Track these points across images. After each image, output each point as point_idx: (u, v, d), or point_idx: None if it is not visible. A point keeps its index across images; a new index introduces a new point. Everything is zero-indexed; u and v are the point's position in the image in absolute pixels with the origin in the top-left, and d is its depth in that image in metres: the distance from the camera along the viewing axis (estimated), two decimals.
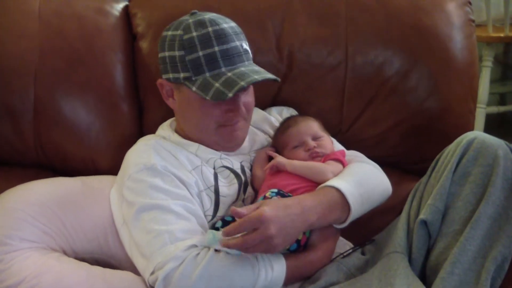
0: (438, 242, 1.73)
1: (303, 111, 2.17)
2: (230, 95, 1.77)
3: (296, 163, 1.91)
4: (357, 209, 1.81)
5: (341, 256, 1.86)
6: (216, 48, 1.83)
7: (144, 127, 2.19)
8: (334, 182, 1.83)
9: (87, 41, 2.15)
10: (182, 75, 1.85)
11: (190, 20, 1.86)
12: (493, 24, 3.71)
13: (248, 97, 1.92)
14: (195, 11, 1.91)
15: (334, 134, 2.15)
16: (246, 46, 1.89)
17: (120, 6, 2.26)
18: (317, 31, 2.19)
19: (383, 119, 2.22)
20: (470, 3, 2.30)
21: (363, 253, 1.89)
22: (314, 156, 1.94)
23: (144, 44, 2.18)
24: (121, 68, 2.15)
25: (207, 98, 1.80)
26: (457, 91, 2.22)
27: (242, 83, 1.79)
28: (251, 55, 1.92)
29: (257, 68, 1.88)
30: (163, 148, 1.91)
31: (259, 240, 1.64)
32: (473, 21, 2.27)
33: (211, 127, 1.91)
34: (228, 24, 1.87)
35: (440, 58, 2.20)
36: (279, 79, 1.88)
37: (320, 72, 2.19)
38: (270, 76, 1.85)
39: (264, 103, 2.18)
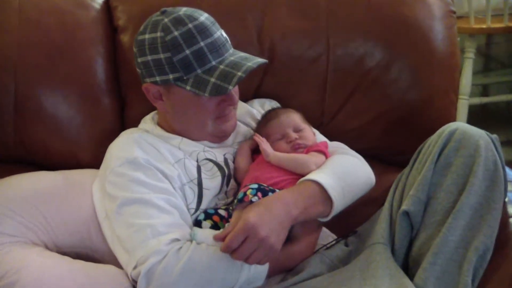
0: (421, 232, 1.74)
1: (285, 104, 2.17)
2: (231, 87, 1.78)
3: (279, 155, 1.91)
4: (339, 202, 1.81)
5: (324, 247, 1.87)
6: (202, 43, 1.82)
7: (125, 121, 2.18)
8: (314, 175, 1.82)
9: (68, 35, 2.14)
10: (171, 76, 1.83)
11: (166, 19, 1.84)
12: (475, 16, 3.72)
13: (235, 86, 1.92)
14: (165, 9, 1.88)
15: (316, 127, 2.15)
16: (224, 33, 1.89)
17: None
18: (298, 24, 2.19)
19: (365, 111, 2.22)
20: None
21: (346, 245, 1.89)
22: (296, 147, 1.94)
23: (125, 38, 2.17)
24: (102, 62, 2.15)
25: (206, 94, 1.80)
26: (439, 82, 2.22)
27: (239, 73, 1.79)
28: (230, 42, 1.91)
29: (243, 54, 1.88)
30: (146, 141, 1.91)
31: (254, 246, 1.65)
32: (454, 12, 2.28)
33: (208, 121, 1.91)
34: (203, 16, 1.86)
35: (421, 50, 2.20)
36: (267, 61, 1.89)
37: (302, 64, 2.19)
38: (260, 60, 1.86)
39: (246, 96, 2.17)
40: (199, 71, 1.82)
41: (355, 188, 1.89)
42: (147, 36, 1.86)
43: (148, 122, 2.01)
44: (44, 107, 2.09)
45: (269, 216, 1.68)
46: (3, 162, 2.15)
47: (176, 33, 1.81)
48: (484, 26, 3.74)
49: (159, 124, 1.99)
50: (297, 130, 1.98)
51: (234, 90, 1.91)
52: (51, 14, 2.15)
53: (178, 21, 1.83)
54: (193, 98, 1.85)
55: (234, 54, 1.87)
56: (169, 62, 1.82)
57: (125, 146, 1.90)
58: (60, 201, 1.91)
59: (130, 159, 1.84)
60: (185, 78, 1.82)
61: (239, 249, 1.65)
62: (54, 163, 2.13)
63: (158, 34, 1.83)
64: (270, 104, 2.17)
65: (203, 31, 1.82)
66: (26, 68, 2.08)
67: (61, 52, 2.11)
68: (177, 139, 1.94)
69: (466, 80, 3.81)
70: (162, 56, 1.82)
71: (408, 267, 1.76)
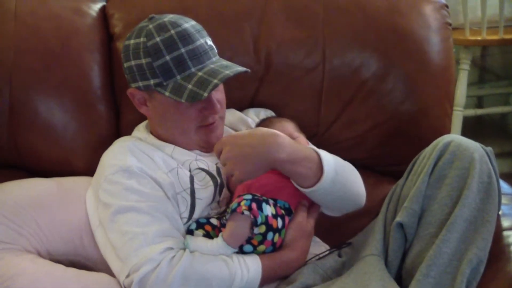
0: (414, 244, 1.74)
1: (280, 113, 2.17)
2: (205, 94, 1.78)
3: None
4: (327, 181, 1.79)
5: (317, 257, 1.86)
6: (183, 50, 1.82)
7: (120, 128, 2.18)
8: (316, 149, 1.83)
9: (64, 41, 2.14)
10: (152, 81, 1.84)
11: (150, 26, 1.85)
12: (470, 28, 3.73)
13: (220, 93, 1.93)
14: (153, 15, 1.89)
15: (311, 137, 2.15)
16: (210, 42, 1.89)
17: (97, 6, 2.25)
18: (295, 33, 2.19)
19: (360, 121, 2.22)
20: (447, 6, 2.30)
21: (339, 255, 1.89)
22: None
23: (121, 45, 2.13)
24: (98, 68, 2.14)
25: (182, 100, 1.80)
26: (434, 94, 2.23)
27: (215, 80, 1.79)
28: (216, 50, 1.91)
29: (225, 62, 1.88)
30: (139, 149, 1.91)
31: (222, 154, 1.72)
32: (450, 24, 2.28)
33: (190, 129, 1.91)
34: (189, 24, 1.87)
35: (417, 61, 2.21)
36: (249, 70, 1.88)
37: (297, 74, 2.19)
38: (240, 69, 1.86)
39: (241, 105, 2.18)
40: (178, 77, 1.83)
41: (346, 184, 1.87)
42: (131, 41, 1.88)
43: (141, 130, 2.01)
44: (38, 113, 2.09)
45: (248, 143, 1.74)
46: None
47: (157, 39, 1.83)
48: (479, 38, 3.75)
49: (152, 133, 1.99)
50: (291, 139, 1.97)
51: (217, 99, 1.90)
52: (48, 20, 2.15)
53: (161, 27, 1.84)
54: (173, 104, 1.86)
55: (216, 62, 1.87)
56: (150, 67, 1.83)
57: (119, 155, 1.90)
58: (53, 209, 1.91)
59: (124, 167, 1.84)
60: (164, 83, 1.83)
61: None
62: (48, 169, 2.12)
63: (141, 39, 1.85)
64: (265, 113, 2.17)
65: (185, 37, 1.83)
66: (21, 74, 2.07)
67: (57, 58, 2.11)
68: (169, 148, 1.94)
69: (461, 91, 3.81)
70: (143, 61, 1.84)
71: (402, 279, 1.75)
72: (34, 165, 2.14)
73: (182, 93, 1.80)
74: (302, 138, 2.00)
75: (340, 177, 1.83)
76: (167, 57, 1.82)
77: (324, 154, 1.81)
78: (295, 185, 1.82)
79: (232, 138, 1.77)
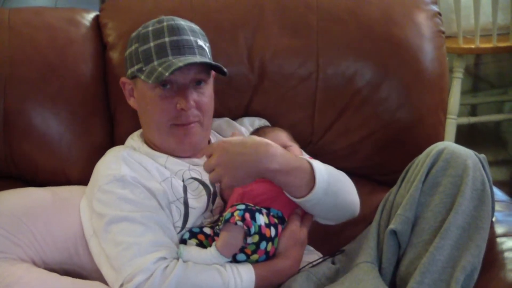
0: (408, 252, 1.74)
1: (275, 122, 2.17)
2: (167, 74, 1.79)
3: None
4: (320, 192, 1.79)
5: (311, 265, 1.86)
6: (167, 39, 1.86)
7: (115, 138, 2.17)
8: (307, 158, 1.84)
9: (58, 52, 2.14)
10: (136, 67, 1.89)
11: (154, 20, 1.92)
12: (463, 36, 3.73)
13: (203, 97, 1.92)
14: (163, 17, 1.93)
15: (305, 145, 2.16)
16: (202, 43, 1.91)
17: (90, 16, 2.25)
18: (289, 42, 2.20)
19: (354, 130, 2.22)
20: (440, 14, 2.31)
21: (333, 263, 1.89)
22: None
23: (114, 54, 2.17)
24: (92, 79, 2.14)
25: (149, 82, 1.83)
26: (428, 102, 2.23)
27: (180, 64, 1.81)
28: (209, 54, 1.93)
29: (207, 60, 1.90)
30: (133, 159, 1.91)
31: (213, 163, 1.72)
32: (443, 32, 2.29)
33: (164, 125, 1.91)
34: (186, 23, 1.91)
35: (411, 69, 2.21)
36: (225, 69, 1.91)
37: (291, 83, 2.19)
38: (209, 60, 1.89)
39: (236, 114, 2.18)
40: (155, 63, 1.86)
41: (339, 193, 1.87)
42: (133, 34, 1.95)
43: (135, 139, 2.02)
44: (33, 123, 2.09)
45: (239, 151, 1.73)
46: None
47: (150, 28, 1.89)
48: (472, 46, 3.75)
49: (145, 142, 1.99)
50: (284, 148, 1.98)
51: (194, 99, 1.90)
52: (42, 30, 2.15)
53: (159, 21, 1.91)
54: (149, 93, 1.89)
55: (197, 58, 1.89)
56: (136, 52, 1.89)
57: (112, 164, 1.90)
58: (48, 218, 1.91)
59: (117, 176, 1.85)
60: (143, 69, 1.87)
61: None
62: (43, 179, 2.12)
63: (139, 29, 1.93)
64: (259, 122, 2.17)
65: (174, 30, 1.87)
66: (16, 84, 2.07)
67: (51, 68, 2.11)
68: (163, 158, 1.94)
69: (455, 99, 3.81)
70: (133, 47, 1.91)
71: (396, 286, 1.75)
72: (29, 175, 2.14)
73: (152, 75, 1.83)
74: (295, 148, 2.00)
75: (333, 187, 1.83)
76: (151, 44, 1.87)
77: (317, 165, 1.81)
78: (287, 195, 1.82)
79: (223, 144, 1.76)
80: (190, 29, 1.90)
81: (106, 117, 2.17)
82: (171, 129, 1.92)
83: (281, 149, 1.79)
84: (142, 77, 1.86)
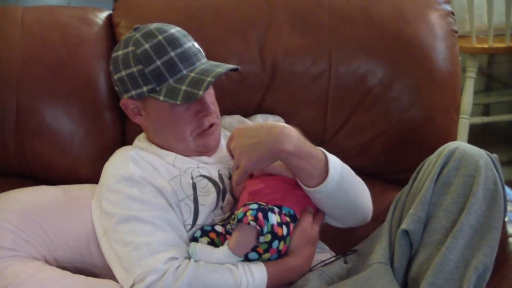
0: (420, 252, 1.73)
1: (286, 121, 2.16)
2: (201, 93, 1.79)
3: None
4: (332, 184, 1.79)
5: (323, 263, 1.86)
6: (172, 54, 1.84)
7: (126, 136, 2.18)
8: (323, 150, 1.84)
9: (71, 50, 2.15)
10: (145, 88, 1.86)
11: (137, 35, 1.88)
12: (477, 35, 3.73)
13: (211, 98, 1.94)
14: (137, 26, 1.92)
15: (317, 144, 2.13)
16: (197, 45, 1.91)
17: (103, 14, 2.26)
18: (301, 41, 2.20)
19: (366, 129, 2.22)
20: (453, 13, 2.30)
21: (345, 262, 1.88)
22: None
23: None
24: (104, 77, 2.14)
25: (178, 102, 1.81)
26: (440, 101, 2.22)
27: (209, 78, 1.81)
28: (203, 53, 1.93)
29: (214, 62, 1.90)
30: (141, 158, 1.91)
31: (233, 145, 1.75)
32: (456, 31, 2.28)
33: (187, 135, 1.91)
34: (174, 29, 1.89)
35: (423, 69, 2.21)
36: (239, 67, 1.91)
37: (303, 81, 2.19)
38: (230, 66, 1.88)
39: (247, 113, 2.18)
40: (170, 80, 1.84)
41: (352, 192, 1.88)
42: (120, 52, 1.89)
43: (142, 140, 2.02)
44: (45, 122, 2.10)
45: (254, 135, 1.75)
46: (3, 176, 2.15)
47: (146, 45, 1.85)
48: (486, 45, 3.74)
49: (152, 142, 1.99)
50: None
51: (211, 101, 1.92)
52: (54, 28, 2.16)
53: (148, 34, 1.86)
54: (169, 110, 1.88)
55: (205, 63, 1.89)
56: (142, 74, 1.85)
57: (121, 164, 1.90)
58: (60, 216, 1.91)
59: (126, 176, 1.85)
60: (158, 89, 1.85)
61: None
62: (55, 177, 2.13)
63: (130, 48, 1.87)
64: (273, 119, 2.17)
65: (173, 41, 1.85)
66: (28, 82, 2.08)
67: (63, 67, 2.12)
68: (171, 156, 1.94)
69: (467, 99, 3.80)
70: (134, 69, 1.86)
71: (407, 286, 1.75)
72: (41, 173, 2.15)
73: (177, 95, 1.82)
74: None
75: (346, 183, 1.83)
76: (158, 62, 1.84)
77: (331, 157, 1.82)
78: (299, 183, 1.82)
79: (241, 129, 1.80)
80: (181, 34, 1.89)
81: (117, 115, 2.17)
82: (195, 139, 1.93)
83: (296, 132, 1.79)
84: (161, 98, 1.84)
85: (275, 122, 1.80)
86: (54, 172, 2.14)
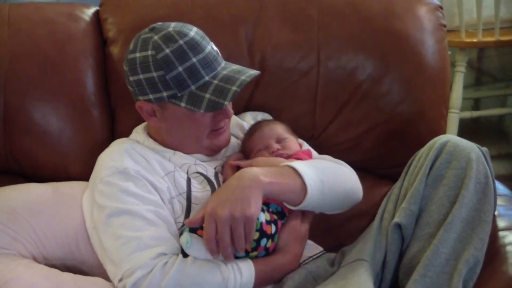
0: (412, 245, 1.74)
1: (276, 116, 2.17)
2: (226, 103, 1.79)
3: (259, 159, 1.90)
4: (315, 193, 1.78)
5: (311, 259, 1.86)
6: (194, 60, 1.81)
7: (115, 133, 2.17)
8: (288, 163, 1.82)
9: (58, 47, 2.13)
10: (165, 94, 1.82)
11: (156, 37, 1.83)
12: (466, 30, 3.73)
13: None
14: (154, 26, 1.87)
15: (307, 139, 2.15)
16: (215, 47, 1.89)
17: (90, 11, 2.24)
18: (289, 37, 2.19)
19: (356, 123, 2.22)
20: (441, 7, 2.30)
21: (332, 264, 1.87)
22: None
23: (114, 49, 2.16)
24: (92, 73, 2.14)
25: (201, 111, 1.80)
26: (429, 96, 2.22)
27: (234, 88, 1.80)
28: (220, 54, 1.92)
29: (235, 67, 1.88)
30: (136, 152, 1.90)
31: (226, 228, 1.64)
32: (445, 25, 2.28)
33: (203, 137, 1.91)
34: (193, 31, 1.85)
35: (412, 63, 2.20)
36: (259, 72, 1.89)
37: (292, 77, 2.19)
38: (253, 72, 1.86)
39: (237, 109, 2.17)
40: (193, 87, 1.81)
41: (336, 187, 1.87)
42: (137, 54, 1.84)
43: (139, 132, 2.00)
44: (33, 119, 2.08)
45: (226, 191, 1.69)
46: None
47: (167, 50, 1.80)
48: (475, 40, 3.74)
49: (150, 136, 1.98)
50: (280, 140, 1.97)
51: (229, 105, 1.91)
52: (42, 25, 2.14)
53: (168, 38, 1.82)
54: (188, 114, 1.85)
55: (226, 68, 1.87)
56: (163, 80, 1.81)
57: (116, 156, 1.89)
58: (49, 213, 1.91)
59: (120, 169, 1.83)
60: (179, 95, 1.82)
61: (219, 244, 1.66)
62: (44, 175, 2.12)
63: (149, 52, 1.82)
64: (263, 116, 2.17)
65: (194, 46, 1.82)
66: (16, 79, 2.07)
67: (51, 64, 2.11)
68: (169, 152, 1.94)
69: (457, 94, 3.80)
70: (155, 74, 1.81)
71: (399, 279, 1.75)
72: (30, 171, 2.14)
73: (200, 103, 1.80)
74: (291, 140, 1.99)
75: (328, 184, 1.82)
76: (180, 68, 1.80)
77: (300, 165, 1.79)
78: (288, 206, 1.82)
79: (213, 203, 1.70)
80: (200, 37, 1.85)
81: (106, 112, 2.17)
82: (209, 136, 1.92)
83: (258, 168, 1.76)
84: (183, 104, 1.81)
85: (235, 181, 1.73)
86: (43, 170, 2.13)
